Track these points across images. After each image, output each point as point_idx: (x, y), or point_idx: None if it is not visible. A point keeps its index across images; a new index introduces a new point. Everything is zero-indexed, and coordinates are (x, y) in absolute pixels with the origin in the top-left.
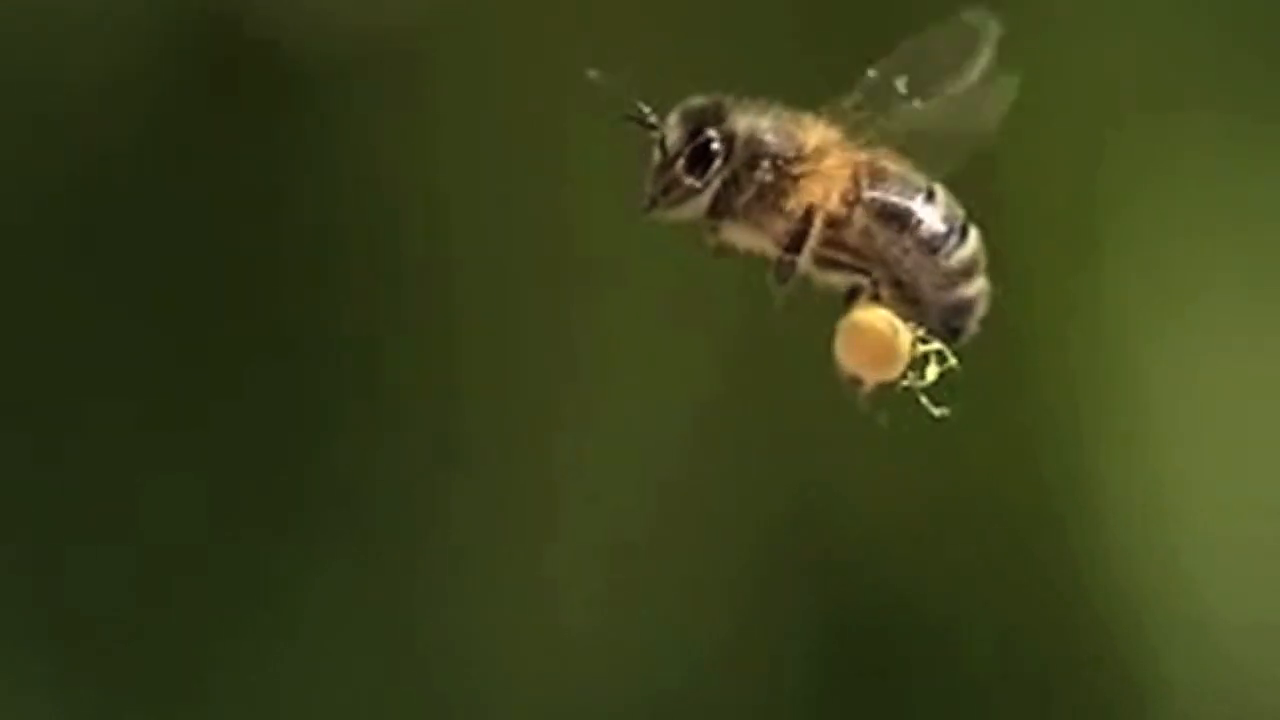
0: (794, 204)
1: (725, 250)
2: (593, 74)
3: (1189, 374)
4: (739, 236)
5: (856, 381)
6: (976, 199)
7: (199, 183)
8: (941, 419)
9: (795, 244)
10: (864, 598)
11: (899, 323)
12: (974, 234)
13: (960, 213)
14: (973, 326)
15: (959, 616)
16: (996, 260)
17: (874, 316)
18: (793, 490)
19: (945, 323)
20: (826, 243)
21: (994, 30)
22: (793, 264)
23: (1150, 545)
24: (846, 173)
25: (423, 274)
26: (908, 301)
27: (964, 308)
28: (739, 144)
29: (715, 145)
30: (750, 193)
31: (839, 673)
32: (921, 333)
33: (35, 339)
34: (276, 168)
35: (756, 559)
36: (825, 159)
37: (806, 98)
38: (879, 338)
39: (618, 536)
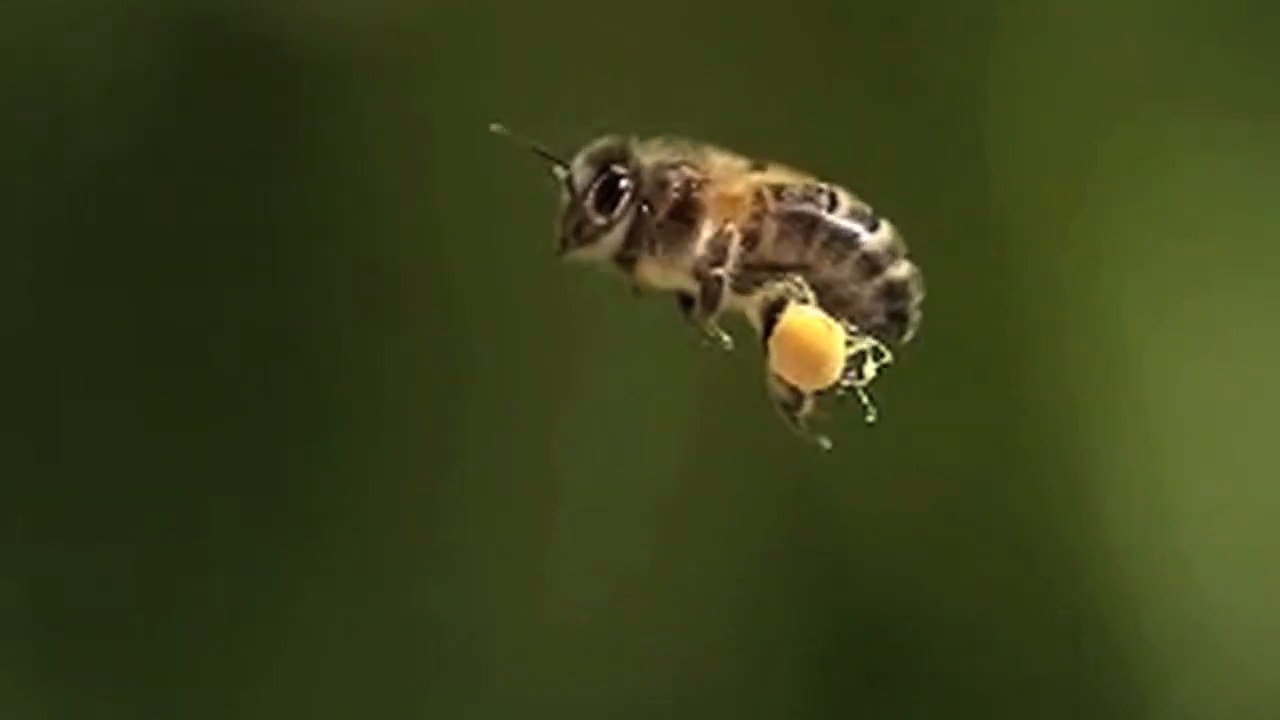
0: (707, 226)
1: (643, 289)
2: (495, 128)
3: (1189, 375)
4: (655, 273)
5: (794, 404)
6: (975, 202)
7: (198, 183)
8: (879, 420)
9: (717, 261)
10: (864, 598)
11: (831, 321)
12: (886, 223)
13: (868, 209)
14: (914, 314)
15: (959, 617)
16: (996, 262)
17: (806, 317)
18: (793, 491)
19: (886, 312)
20: (745, 265)
21: None
22: (719, 279)
23: (1150, 545)
24: (751, 191)
25: (422, 274)
26: (839, 303)
27: (897, 290)
28: (645, 177)
29: (623, 181)
30: (663, 222)
31: (839, 673)
32: (855, 329)
33: (36, 339)
34: (276, 168)
35: (756, 560)
36: (730, 181)
37: (807, 95)
38: (814, 337)
39: (618, 536)
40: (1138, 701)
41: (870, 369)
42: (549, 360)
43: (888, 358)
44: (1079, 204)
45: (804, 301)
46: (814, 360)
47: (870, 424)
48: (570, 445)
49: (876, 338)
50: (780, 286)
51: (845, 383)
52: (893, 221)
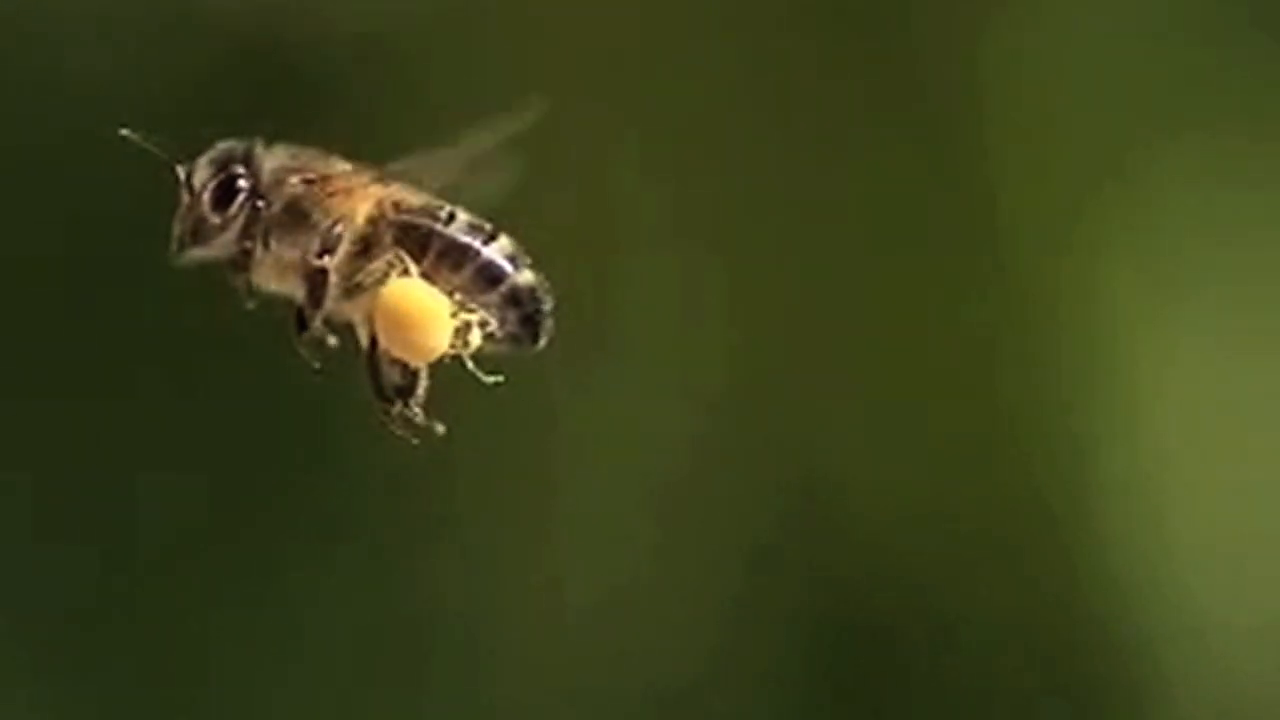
0: (322, 225)
1: (254, 292)
2: (124, 132)
3: (1188, 376)
4: (271, 275)
5: (407, 386)
6: (974, 203)
7: None
8: (494, 385)
9: (325, 252)
10: (864, 597)
11: (435, 290)
12: (505, 237)
13: (486, 224)
14: (546, 320)
15: (958, 617)
16: (994, 264)
17: (408, 285)
18: (793, 491)
19: (517, 320)
20: (359, 270)
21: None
22: (324, 270)
23: (1150, 546)
24: (371, 199)
25: None
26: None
27: (522, 297)
28: (264, 179)
29: (240, 181)
30: (279, 220)
31: (838, 673)
32: (460, 298)
33: (35, 339)
34: None
35: (756, 559)
36: (350, 189)
37: (805, 97)
38: (418, 303)
39: (618, 536)
40: (1135, 701)
41: (476, 338)
42: (551, 359)
43: (493, 326)
44: (1077, 206)
45: (405, 273)
46: (419, 326)
47: (871, 423)
48: (570, 445)
49: (513, 344)
50: (382, 263)
51: (453, 352)
52: (898, 219)
